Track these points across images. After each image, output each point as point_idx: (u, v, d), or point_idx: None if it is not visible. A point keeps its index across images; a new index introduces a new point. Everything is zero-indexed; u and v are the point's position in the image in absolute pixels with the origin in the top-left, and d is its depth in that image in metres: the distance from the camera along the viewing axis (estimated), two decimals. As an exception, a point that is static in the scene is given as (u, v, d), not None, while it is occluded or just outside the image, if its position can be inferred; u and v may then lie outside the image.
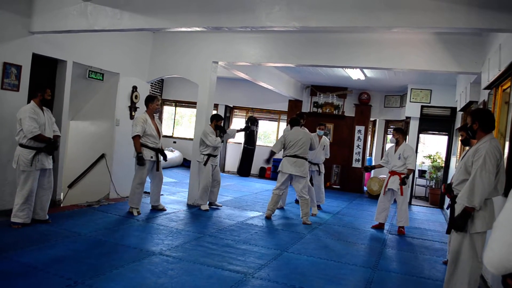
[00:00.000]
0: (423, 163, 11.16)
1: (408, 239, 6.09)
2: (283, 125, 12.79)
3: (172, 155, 12.65)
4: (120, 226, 5.29)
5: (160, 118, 13.94)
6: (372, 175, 11.13)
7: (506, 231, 1.41)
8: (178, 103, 14.02)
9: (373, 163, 12.04)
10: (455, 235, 3.29)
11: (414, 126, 9.98)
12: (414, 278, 4.29)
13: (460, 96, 7.96)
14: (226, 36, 6.99)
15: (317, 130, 7.73)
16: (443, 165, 10.10)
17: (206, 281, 3.62)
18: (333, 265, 4.45)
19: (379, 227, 6.63)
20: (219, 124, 6.86)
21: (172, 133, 14.03)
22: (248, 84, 10.82)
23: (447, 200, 4.94)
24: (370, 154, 12.76)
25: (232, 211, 6.92)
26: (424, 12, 3.59)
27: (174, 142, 13.67)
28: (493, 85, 4.84)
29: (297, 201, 8.42)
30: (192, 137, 7.91)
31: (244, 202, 7.99)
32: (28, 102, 4.98)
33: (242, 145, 12.59)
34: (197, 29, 4.70)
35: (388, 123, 12.25)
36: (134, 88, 7.31)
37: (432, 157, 10.69)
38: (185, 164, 12.89)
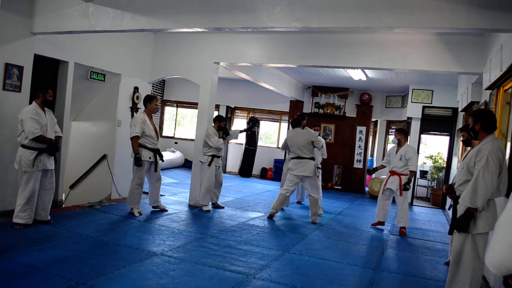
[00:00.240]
0: (425, 163, 11.14)
1: (410, 240, 6.08)
2: (285, 125, 12.80)
3: (174, 155, 12.66)
4: (121, 227, 5.29)
5: (162, 119, 13.97)
6: (373, 176, 11.11)
7: (508, 232, 1.41)
8: (179, 104, 14.03)
9: (375, 164, 12.06)
10: (457, 236, 3.29)
11: (415, 126, 9.97)
12: (415, 279, 4.28)
13: (462, 97, 7.94)
14: (228, 37, 7.00)
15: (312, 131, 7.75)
16: (444, 165, 10.08)
17: (207, 281, 3.62)
18: (335, 266, 4.45)
19: (379, 224, 6.69)
20: (222, 125, 6.90)
21: (174, 134, 14.04)
22: (250, 85, 10.82)
23: (449, 201, 4.93)
24: (372, 155, 12.74)
25: (234, 212, 6.92)
26: (425, 13, 3.59)
27: (176, 142, 13.68)
28: (495, 86, 4.83)
29: (298, 202, 8.44)
30: (193, 137, 7.91)
31: (246, 202, 7.99)
32: (30, 103, 4.99)
33: (244, 145, 12.59)
34: (199, 29, 4.71)
35: (389, 123, 12.24)
36: (136, 89, 7.32)
37: (433, 157, 10.68)
38: (186, 164, 12.90)
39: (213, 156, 6.76)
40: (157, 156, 6.06)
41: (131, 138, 5.78)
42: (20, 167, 4.69)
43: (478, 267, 3.18)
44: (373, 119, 12.05)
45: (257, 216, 6.72)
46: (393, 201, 6.73)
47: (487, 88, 5.17)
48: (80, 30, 5.06)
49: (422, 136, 10.42)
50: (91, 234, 4.76)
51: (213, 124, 6.95)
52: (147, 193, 6.60)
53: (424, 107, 9.78)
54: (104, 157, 7.03)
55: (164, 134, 13.88)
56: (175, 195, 8.03)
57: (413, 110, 9.88)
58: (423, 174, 10.90)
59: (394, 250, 5.42)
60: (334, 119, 11.80)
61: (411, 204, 9.76)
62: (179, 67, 7.51)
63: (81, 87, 6.68)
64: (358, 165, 11.57)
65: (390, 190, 6.51)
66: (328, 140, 11.37)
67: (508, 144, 4.08)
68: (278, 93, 10.73)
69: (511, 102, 4.32)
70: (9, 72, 5.06)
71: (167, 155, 12.08)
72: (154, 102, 6.06)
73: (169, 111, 14.30)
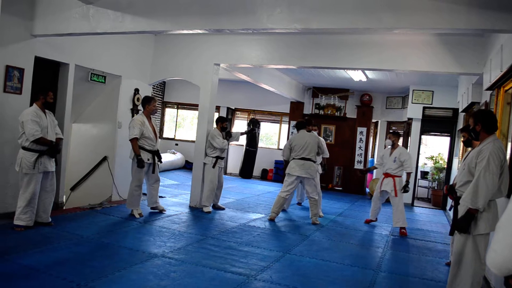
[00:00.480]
0: (425, 164, 11.14)
1: (411, 241, 6.07)
2: (285, 126, 12.80)
3: (174, 157, 12.65)
4: (122, 229, 5.29)
5: (162, 120, 13.97)
6: (374, 177, 11.11)
7: (509, 233, 1.41)
8: (180, 105, 14.04)
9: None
10: (458, 237, 3.28)
11: (416, 127, 9.97)
12: (416, 280, 4.27)
13: (462, 97, 7.95)
14: (228, 38, 7.01)
15: None
16: (445, 166, 10.08)
17: (208, 283, 3.62)
18: (336, 267, 4.44)
19: (371, 221, 6.95)
20: (224, 125, 6.96)
21: (174, 136, 14.04)
22: (250, 86, 10.83)
23: (450, 202, 4.93)
24: (372, 156, 12.74)
25: (235, 213, 6.92)
26: (425, 13, 3.59)
27: (176, 144, 13.68)
28: (495, 86, 4.83)
29: (299, 204, 8.43)
30: (194, 139, 7.91)
31: (246, 204, 7.99)
32: (31, 105, 5.00)
33: (244, 147, 12.59)
34: (199, 31, 4.71)
35: (390, 124, 12.23)
36: (136, 91, 7.33)
37: (434, 158, 10.67)
38: (187, 166, 12.89)
39: (217, 158, 6.78)
40: (156, 158, 6.06)
41: (131, 140, 5.78)
42: (20, 169, 4.69)
43: (479, 268, 3.17)
44: (373, 120, 12.05)
45: (257, 218, 6.72)
46: (387, 202, 6.81)
47: (488, 89, 5.17)
48: (81, 32, 5.07)
49: (423, 136, 10.42)
50: (92, 236, 4.77)
51: (215, 126, 6.98)
52: (146, 194, 6.60)
53: (424, 108, 9.79)
54: (104, 159, 7.03)
55: (164, 135, 13.89)
56: (176, 196, 8.03)
57: (414, 111, 9.88)
58: (424, 174, 10.89)
59: (394, 251, 5.41)
60: (334, 120, 11.80)
61: (412, 205, 9.76)
62: (179, 69, 7.52)
63: (82, 89, 6.69)
64: (358, 166, 11.55)
65: (385, 192, 6.63)
66: (328, 141, 11.35)
67: (509, 144, 4.08)
68: (279, 94, 10.74)
69: (511, 102, 4.32)
70: (10, 74, 5.07)
71: (168, 157, 12.08)
72: (152, 104, 6.06)
73: (169, 112, 14.31)
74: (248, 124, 12.29)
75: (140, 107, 7.32)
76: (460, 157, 7.53)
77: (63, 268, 3.64)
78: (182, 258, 4.26)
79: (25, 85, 5.27)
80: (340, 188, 11.65)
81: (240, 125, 13.50)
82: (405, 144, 10.54)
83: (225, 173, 12.87)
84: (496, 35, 4.84)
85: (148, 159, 5.94)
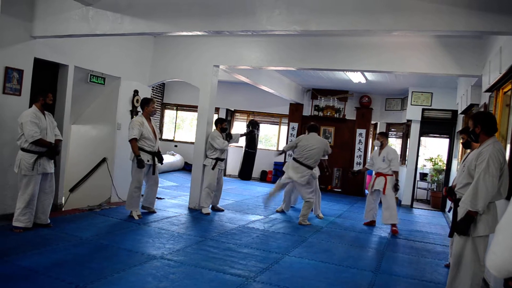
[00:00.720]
0: (425, 166, 11.14)
1: (410, 242, 6.07)
2: (284, 128, 12.80)
3: (173, 158, 12.65)
4: (121, 230, 5.28)
5: (161, 122, 13.97)
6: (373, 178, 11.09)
7: (508, 235, 1.41)
8: (179, 107, 14.04)
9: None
10: (458, 239, 3.28)
11: (415, 129, 9.98)
12: (416, 282, 4.27)
13: (461, 99, 7.96)
14: (227, 40, 7.02)
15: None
16: (444, 168, 10.09)
17: (207, 285, 3.61)
18: (335, 269, 4.44)
19: (370, 224, 6.98)
20: (224, 126, 6.98)
21: (173, 137, 14.04)
22: (249, 88, 10.84)
23: (449, 203, 4.93)
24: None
25: (234, 215, 6.91)
26: (424, 15, 3.59)
27: (175, 145, 13.68)
28: (494, 88, 4.84)
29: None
30: (193, 140, 7.91)
31: (246, 205, 7.98)
32: (30, 106, 4.99)
33: (243, 148, 12.58)
34: (198, 33, 4.71)
35: (389, 126, 12.24)
36: (136, 92, 7.33)
37: (433, 160, 10.68)
38: (186, 167, 12.89)
39: (216, 159, 6.78)
40: (155, 159, 6.06)
41: (130, 141, 5.78)
42: (19, 171, 4.69)
43: (479, 270, 3.17)
44: (372, 122, 12.06)
45: (257, 219, 6.72)
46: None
47: (487, 91, 5.18)
48: (80, 33, 5.07)
49: (422, 138, 10.43)
50: (91, 238, 4.76)
51: (214, 127, 6.99)
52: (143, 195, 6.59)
53: (423, 110, 9.80)
54: (104, 160, 7.02)
55: (164, 137, 13.89)
56: (175, 198, 8.02)
57: (413, 113, 9.90)
58: (423, 176, 10.90)
59: (394, 252, 5.41)
60: (333, 121, 11.81)
61: (411, 206, 9.77)
62: (179, 70, 7.52)
63: (81, 90, 6.68)
64: (358, 167, 11.56)
65: (378, 191, 6.77)
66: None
67: (508, 146, 4.08)
68: (278, 96, 10.74)
69: (510, 104, 4.32)
70: (9, 76, 5.07)
71: (167, 158, 12.08)
72: (151, 105, 6.07)
73: (169, 114, 14.31)
74: (248, 126, 12.28)
75: (139, 109, 7.32)
76: (459, 159, 7.54)
77: (62, 270, 3.63)
78: (181, 259, 4.25)
79: (25, 87, 5.26)
80: (339, 190, 11.66)
81: (239, 126, 13.51)
82: (404, 146, 10.55)
83: (225, 175, 12.83)
84: (495, 37, 4.85)
85: (148, 160, 5.94)
